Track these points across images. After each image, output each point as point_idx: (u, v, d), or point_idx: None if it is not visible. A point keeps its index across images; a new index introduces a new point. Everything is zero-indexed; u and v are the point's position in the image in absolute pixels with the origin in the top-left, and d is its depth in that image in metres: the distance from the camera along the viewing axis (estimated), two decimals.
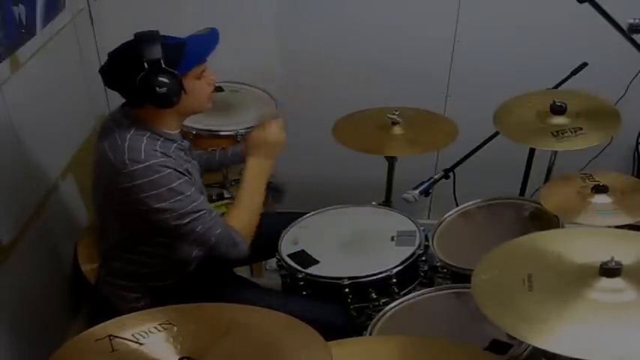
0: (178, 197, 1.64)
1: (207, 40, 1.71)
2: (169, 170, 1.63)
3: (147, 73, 1.59)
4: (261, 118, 2.01)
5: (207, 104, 1.79)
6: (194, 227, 1.68)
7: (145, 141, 1.66)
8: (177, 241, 1.77)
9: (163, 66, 1.60)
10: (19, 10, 2.02)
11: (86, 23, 2.65)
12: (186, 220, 1.66)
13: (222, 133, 2.45)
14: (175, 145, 1.74)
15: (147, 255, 1.82)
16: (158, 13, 2.63)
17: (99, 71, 1.69)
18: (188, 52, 1.66)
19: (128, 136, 1.66)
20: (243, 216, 1.80)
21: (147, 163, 1.61)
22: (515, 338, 1.23)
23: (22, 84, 2.05)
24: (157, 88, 1.60)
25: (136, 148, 1.63)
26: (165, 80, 1.60)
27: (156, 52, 1.60)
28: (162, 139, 1.70)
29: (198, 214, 1.67)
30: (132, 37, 1.66)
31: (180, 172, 1.66)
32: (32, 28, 2.13)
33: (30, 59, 2.10)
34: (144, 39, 1.63)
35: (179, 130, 1.79)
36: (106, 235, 1.87)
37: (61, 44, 2.37)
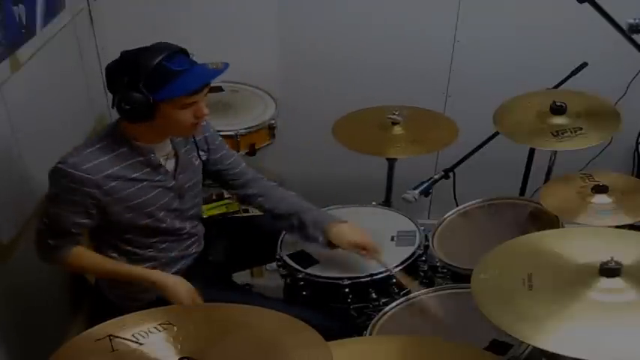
0: (51, 205, 1.73)
1: (200, 77, 1.67)
2: (65, 181, 1.67)
3: (124, 86, 1.62)
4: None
5: (188, 133, 1.80)
6: (40, 229, 1.77)
7: (94, 146, 1.70)
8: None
9: (140, 86, 1.61)
10: (19, 10, 2.02)
11: (86, 23, 2.65)
12: (43, 221, 1.76)
13: (222, 133, 2.43)
14: (137, 160, 1.75)
15: (118, 253, 1.85)
16: (158, 13, 2.62)
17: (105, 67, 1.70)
18: (176, 82, 1.63)
19: (94, 137, 1.74)
20: (89, 265, 1.84)
21: (60, 165, 1.67)
22: (515, 338, 1.23)
23: (22, 84, 2.05)
24: (123, 103, 1.63)
25: (79, 149, 1.70)
26: (133, 99, 1.62)
27: (143, 71, 1.60)
28: (124, 149, 1.72)
29: (46, 225, 1.75)
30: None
31: (73, 190, 1.68)
32: (32, 28, 2.13)
33: (30, 59, 2.10)
34: (148, 53, 1.63)
35: (158, 143, 1.78)
36: None
37: (61, 44, 2.37)
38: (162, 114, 1.66)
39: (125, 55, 1.66)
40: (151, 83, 1.61)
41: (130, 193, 1.75)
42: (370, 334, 1.70)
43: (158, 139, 1.78)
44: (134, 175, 1.75)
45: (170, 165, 1.83)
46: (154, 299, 1.79)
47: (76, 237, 1.78)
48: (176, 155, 1.84)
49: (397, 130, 2.28)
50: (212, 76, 1.70)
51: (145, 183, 1.77)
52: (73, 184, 1.67)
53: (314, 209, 1.98)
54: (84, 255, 1.82)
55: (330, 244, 1.91)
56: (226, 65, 1.70)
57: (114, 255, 1.85)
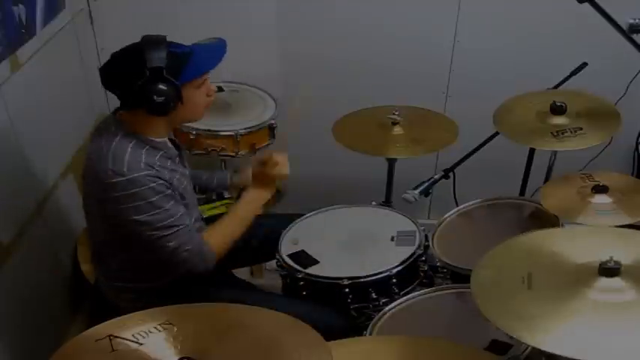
0: (156, 211, 1.64)
1: (215, 52, 1.68)
2: (150, 185, 1.62)
3: (147, 80, 1.58)
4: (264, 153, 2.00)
5: (201, 115, 1.79)
6: (168, 241, 1.68)
7: (129, 150, 1.64)
8: (154, 252, 1.75)
9: (165, 75, 1.59)
10: (19, 10, 2.02)
11: (86, 23, 2.65)
12: (162, 234, 1.67)
13: (221, 133, 2.45)
14: (161, 153, 1.73)
15: (130, 259, 1.82)
16: (158, 13, 2.62)
17: (99, 69, 1.68)
18: (193, 62, 1.64)
19: (113, 144, 1.65)
20: (224, 236, 1.83)
21: (129, 177, 1.60)
22: (515, 338, 1.23)
23: (22, 84, 2.05)
24: (155, 97, 1.59)
25: (120, 158, 1.62)
26: (165, 89, 1.59)
27: (160, 59, 1.58)
28: (147, 146, 1.69)
29: (175, 229, 1.68)
30: (138, 40, 1.64)
31: (159, 186, 1.64)
32: (32, 28, 2.13)
33: (30, 59, 2.10)
34: (150, 44, 1.61)
35: (166, 137, 1.78)
36: (92, 235, 1.89)
37: (61, 44, 2.37)
38: (185, 99, 1.66)
39: (124, 53, 1.64)
40: (173, 70, 1.60)
41: (176, 183, 1.74)
42: (370, 334, 1.70)
43: (165, 133, 1.77)
44: (170, 166, 1.74)
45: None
46: (155, 300, 1.79)
47: (199, 224, 1.78)
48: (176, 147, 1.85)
49: (397, 130, 2.28)
50: (224, 47, 1.72)
51: (177, 173, 1.78)
52: (152, 183, 1.62)
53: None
54: (216, 232, 1.82)
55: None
56: (220, 39, 1.72)
57: (122, 255, 1.82)
